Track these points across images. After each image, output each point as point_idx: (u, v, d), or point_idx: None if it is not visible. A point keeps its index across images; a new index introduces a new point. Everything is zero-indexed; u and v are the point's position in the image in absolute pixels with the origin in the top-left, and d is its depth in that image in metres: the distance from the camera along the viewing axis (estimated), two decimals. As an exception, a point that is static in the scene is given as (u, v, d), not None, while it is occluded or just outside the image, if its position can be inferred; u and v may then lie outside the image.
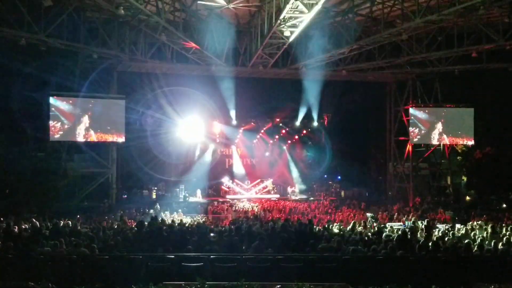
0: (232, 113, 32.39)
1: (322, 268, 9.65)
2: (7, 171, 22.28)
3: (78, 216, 20.19)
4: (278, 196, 33.22)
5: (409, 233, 13.20)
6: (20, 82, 24.41)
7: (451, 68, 28.16)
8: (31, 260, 9.67)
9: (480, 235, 14.25)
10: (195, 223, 18.39)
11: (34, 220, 16.80)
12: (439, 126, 30.86)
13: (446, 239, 13.61)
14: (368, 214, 23.96)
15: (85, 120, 25.98)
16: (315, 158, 36.63)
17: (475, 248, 11.56)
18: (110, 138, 26.78)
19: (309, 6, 16.73)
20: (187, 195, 30.86)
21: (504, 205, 28.02)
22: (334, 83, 30.82)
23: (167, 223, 16.38)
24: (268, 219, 21.28)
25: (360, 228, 16.16)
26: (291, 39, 21.02)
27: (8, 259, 9.75)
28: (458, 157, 32.20)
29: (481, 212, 25.24)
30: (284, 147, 36.94)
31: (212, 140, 34.44)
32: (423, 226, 17.44)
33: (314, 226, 15.42)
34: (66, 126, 25.65)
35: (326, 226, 16.84)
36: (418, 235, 14.83)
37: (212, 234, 13.01)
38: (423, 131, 31.02)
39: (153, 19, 20.77)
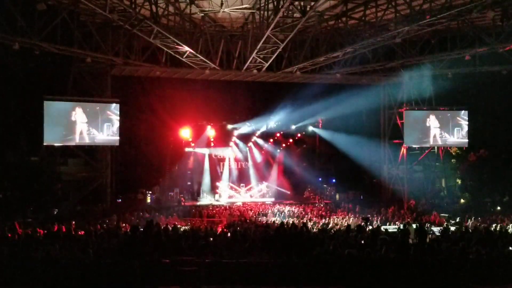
0: (227, 117, 32.34)
1: (318, 271, 9.66)
2: (1, 176, 22.15)
3: (73, 220, 20.08)
4: (273, 199, 33.24)
5: (403, 236, 13.22)
6: (14, 86, 24.34)
7: (444, 71, 28.31)
8: (26, 265, 9.62)
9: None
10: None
11: (28, 224, 16.73)
12: (433, 129, 30.91)
13: (440, 241, 13.63)
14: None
15: (79, 124, 25.82)
16: (309, 161, 36.63)
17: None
18: (104, 142, 26.69)
19: (303, 10, 16.75)
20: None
21: (499, 208, 28.10)
22: (328, 86, 30.84)
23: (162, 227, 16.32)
24: (263, 223, 21.26)
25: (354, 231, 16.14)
26: (284, 43, 21.04)
27: (3, 264, 9.70)
28: (452, 160, 32.28)
29: (475, 214, 25.28)
30: (278, 151, 36.92)
31: (207, 144, 34.39)
32: (417, 229, 17.44)
33: (309, 229, 15.44)
34: (60, 130, 25.50)
35: (321, 229, 16.85)
36: (413, 238, 14.86)
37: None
38: (417, 134, 31.08)
39: (147, 23, 20.72)
